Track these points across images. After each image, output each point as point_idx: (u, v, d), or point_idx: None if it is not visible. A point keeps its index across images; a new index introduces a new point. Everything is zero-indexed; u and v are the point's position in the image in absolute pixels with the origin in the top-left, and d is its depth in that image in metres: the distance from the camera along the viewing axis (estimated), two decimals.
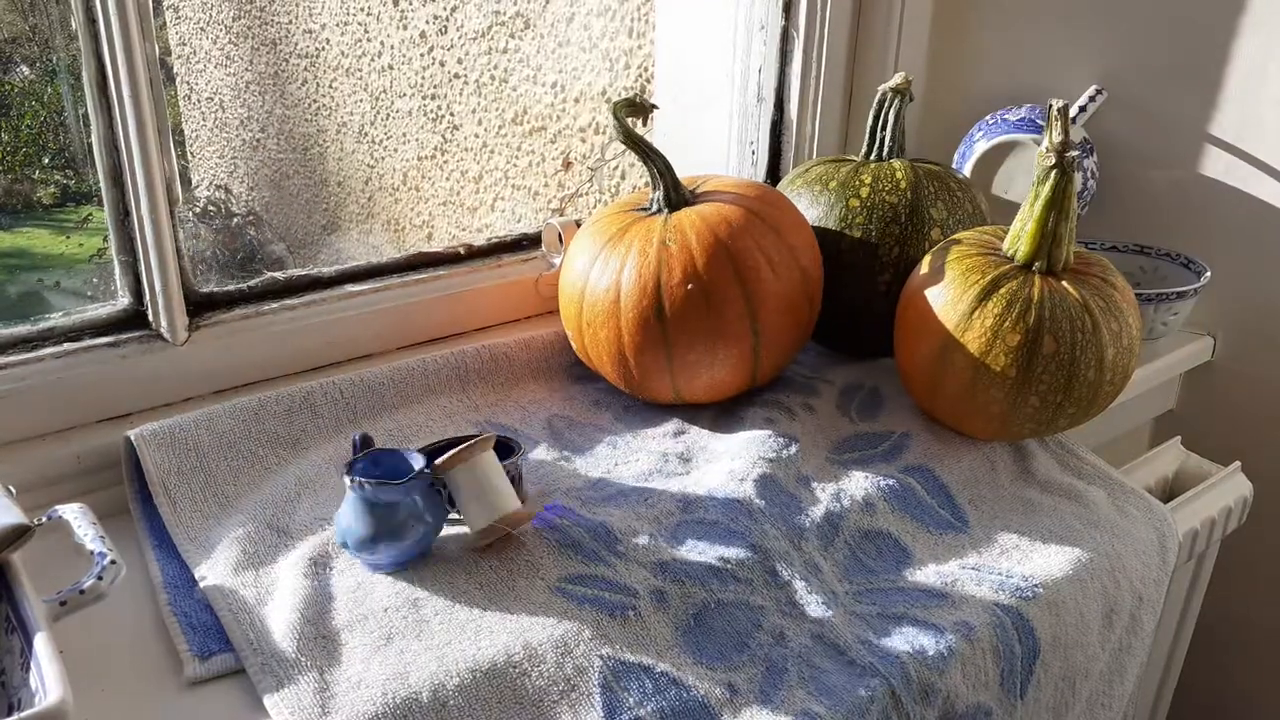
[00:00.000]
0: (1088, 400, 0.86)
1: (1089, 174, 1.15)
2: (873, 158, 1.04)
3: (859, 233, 0.99)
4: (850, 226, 0.99)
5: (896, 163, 1.02)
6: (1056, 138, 0.82)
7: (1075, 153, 0.82)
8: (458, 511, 0.73)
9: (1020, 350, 0.83)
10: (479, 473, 0.72)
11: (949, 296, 0.86)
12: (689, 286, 0.87)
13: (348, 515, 0.71)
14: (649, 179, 0.95)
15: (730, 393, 0.94)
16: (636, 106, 0.95)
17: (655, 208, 0.94)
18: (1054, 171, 0.83)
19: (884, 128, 1.04)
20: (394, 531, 0.70)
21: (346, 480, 0.71)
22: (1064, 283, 0.85)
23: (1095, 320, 0.83)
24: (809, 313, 0.95)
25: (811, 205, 1.02)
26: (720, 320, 0.88)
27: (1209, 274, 1.08)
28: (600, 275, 0.91)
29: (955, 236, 0.93)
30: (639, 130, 0.95)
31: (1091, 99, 1.13)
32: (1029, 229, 0.85)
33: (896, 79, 1.03)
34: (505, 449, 0.82)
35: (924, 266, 0.91)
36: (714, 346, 0.89)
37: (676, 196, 0.94)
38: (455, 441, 0.79)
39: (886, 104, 1.04)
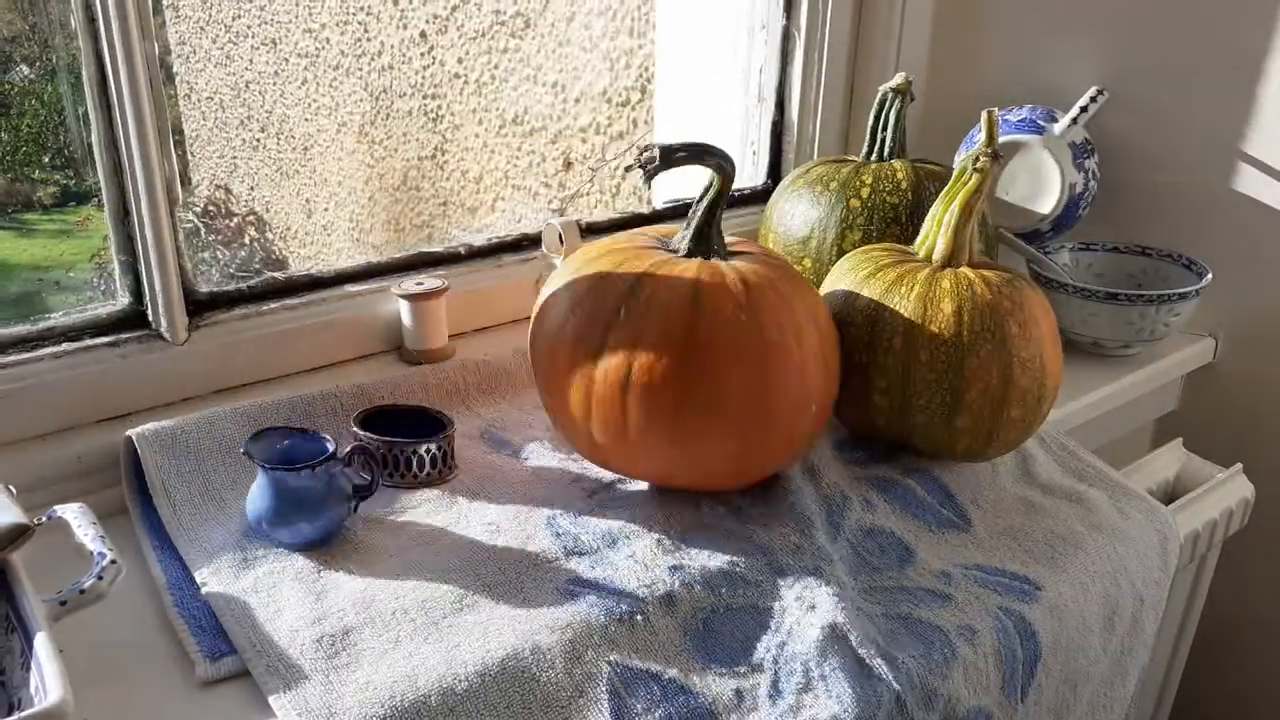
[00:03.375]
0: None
1: (1090, 175, 1.14)
2: (873, 158, 1.04)
3: (859, 234, 0.99)
4: (851, 227, 0.99)
5: (897, 163, 1.02)
6: (983, 142, 0.84)
7: (987, 161, 0.83)
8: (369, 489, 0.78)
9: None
10: None
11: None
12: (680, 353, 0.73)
13: (258, 497, 0.74)
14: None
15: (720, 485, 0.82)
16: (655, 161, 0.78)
17: (678, 248, 0.80)
18: (972, 174, 0.84)
19: (884, 128, 1.04)
20: (301, 512, 0.74)
21: (259, 466, 0.74)
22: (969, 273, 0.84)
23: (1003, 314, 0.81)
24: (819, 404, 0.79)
25: (812, 206, 1.02)
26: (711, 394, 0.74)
27: (1210, 275, 1.08)
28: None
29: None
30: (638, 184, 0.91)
31: (1093, 99, 1.13)
32: (936, 225, 0.86)
33: (897, 79, 1.03)
34: (437, 424, 0.86)
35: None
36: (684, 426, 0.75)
37: (704, 245, 0.80)
38: (384, 410, 0.87)
39: (887, 104, 1.04)
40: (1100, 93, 1.13)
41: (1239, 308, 1.14)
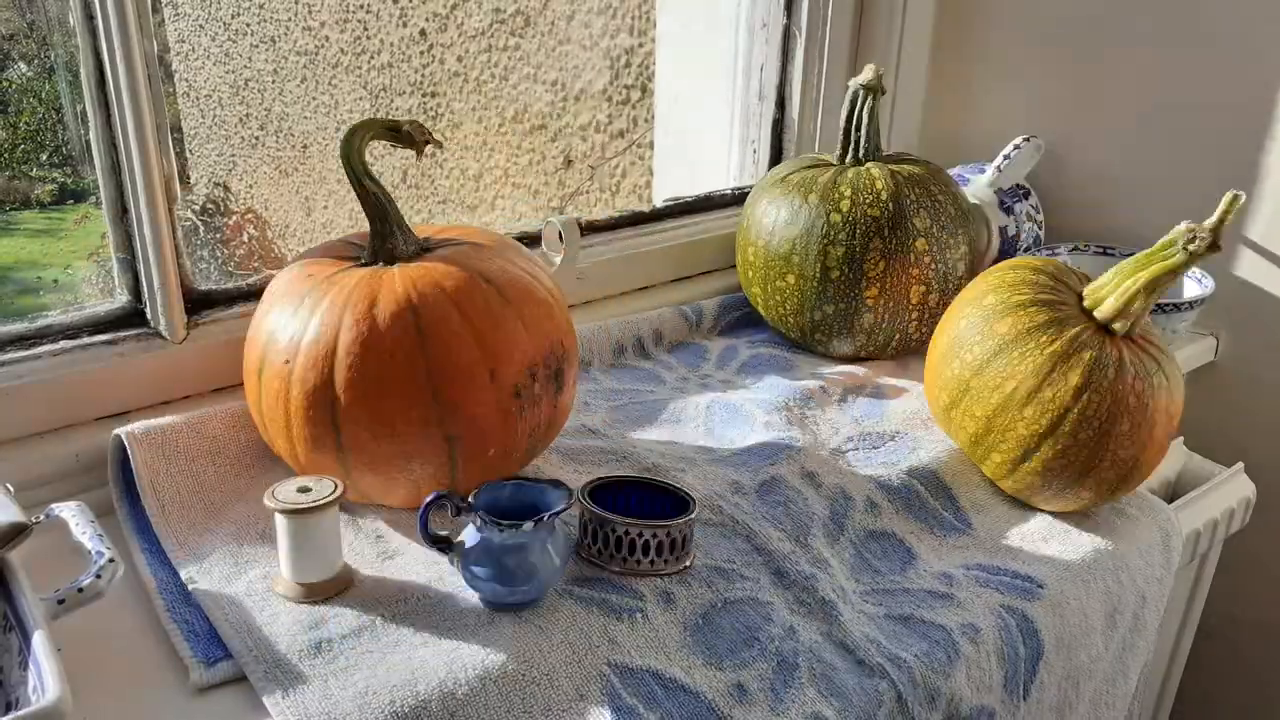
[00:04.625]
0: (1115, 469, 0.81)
1: (1024, 216, 1.16)
2: (848, 160, 1.04)
3: (843, 249, 0.98)
4: (834, 243, 0.98)
5: (875, 169, 1.00)
6: (1210, 226, 0.77)
7: (1202, 246, 0.77)
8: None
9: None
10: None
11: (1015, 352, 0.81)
12: (363, 364, 0.70)
13: (475, 550, 0.68)
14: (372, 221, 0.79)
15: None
16: (402, 134, 0.77)
17: (366, 259, 0.78)
18: (1187, 249, 0.78)
19: (858, 128, 1.03)
20: (518, 574, 0.67)
21: (474, 518, 0.68)
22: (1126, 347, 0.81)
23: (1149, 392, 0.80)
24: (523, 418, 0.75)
25: (792, 221, 1.00)
26: (399, 414, 0.71)
27: (1212, 282, 1.08)
28: (286, 330, 0.74)
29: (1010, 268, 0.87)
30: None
31: (1017, 148, 1.13)
32: (1126, 287, 0.80)
33: (866, 74, 1.02)
34: (681, 504, 0.75)
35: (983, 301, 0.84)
36: (394, 444, 0.72)
37: (402, 247, 0.78)
38: (612, 481, 0.77)
39: (859, 102, 1.02)
40: (1027, 140, 1.13)
41: (1241, 308, 1.14)
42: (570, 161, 2.11)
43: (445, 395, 0.71)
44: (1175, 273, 0.79)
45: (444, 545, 0.69)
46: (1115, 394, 0.78)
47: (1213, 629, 1.20)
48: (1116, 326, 0.81)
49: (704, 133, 1.34)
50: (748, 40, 1.26)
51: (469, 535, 0.68)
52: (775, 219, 1.02)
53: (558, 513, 0.68)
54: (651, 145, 1.85)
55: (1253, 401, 1.16)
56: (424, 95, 2.52)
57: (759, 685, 0.66)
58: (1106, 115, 1.19)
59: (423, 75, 2.50)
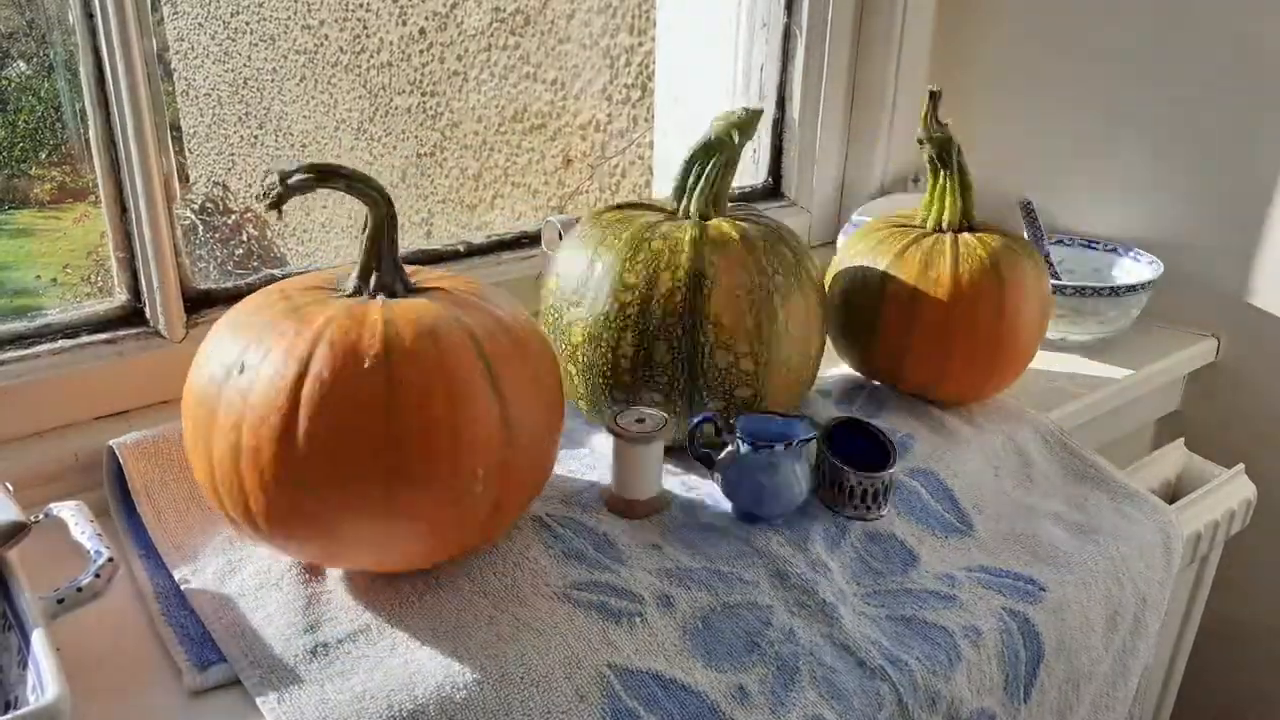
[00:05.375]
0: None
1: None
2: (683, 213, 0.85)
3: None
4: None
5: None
6: (939, 126, 0.91)
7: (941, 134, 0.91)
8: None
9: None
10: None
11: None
12: (330, 412, 0.61)
13: (734, 467, 0.78)
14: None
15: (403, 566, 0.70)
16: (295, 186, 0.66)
17: (350, 289, 0.69)
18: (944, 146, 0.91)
19: (695, 188, 0.84)
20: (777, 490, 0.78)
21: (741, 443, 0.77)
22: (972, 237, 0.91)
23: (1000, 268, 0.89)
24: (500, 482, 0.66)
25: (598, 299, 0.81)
26: (361, 467, 0.62)
27: (1161, 265, 1.10)
28: (233, 361, 0.64)
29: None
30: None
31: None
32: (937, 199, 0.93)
33: (721, 125, 0.83)
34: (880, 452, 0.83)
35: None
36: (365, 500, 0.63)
37: (380, 282, 0.68)
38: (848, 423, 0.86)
39: (711, 163, 0.84)
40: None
41: (1242, 307, 1.14)
42: (570, 161, 2.11)
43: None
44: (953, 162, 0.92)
45: (708, 461, 0.80)
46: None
47: (1213, 630, 1.20)
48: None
49: (703, 133, 1.34)
50: (748, 40, 1.26)
51: (728, 455, 0.78)
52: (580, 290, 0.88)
53: (805, 440, 0.77)
54: (651, 145, 1.85)
55: (1253, 402, 1.16)
56: (423, 94, 2.52)
57: (759, 688, 0.66)
58: (1105, 116, 1.19)
59: (422, 74, 2.50)
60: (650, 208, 0.87)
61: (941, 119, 0.91)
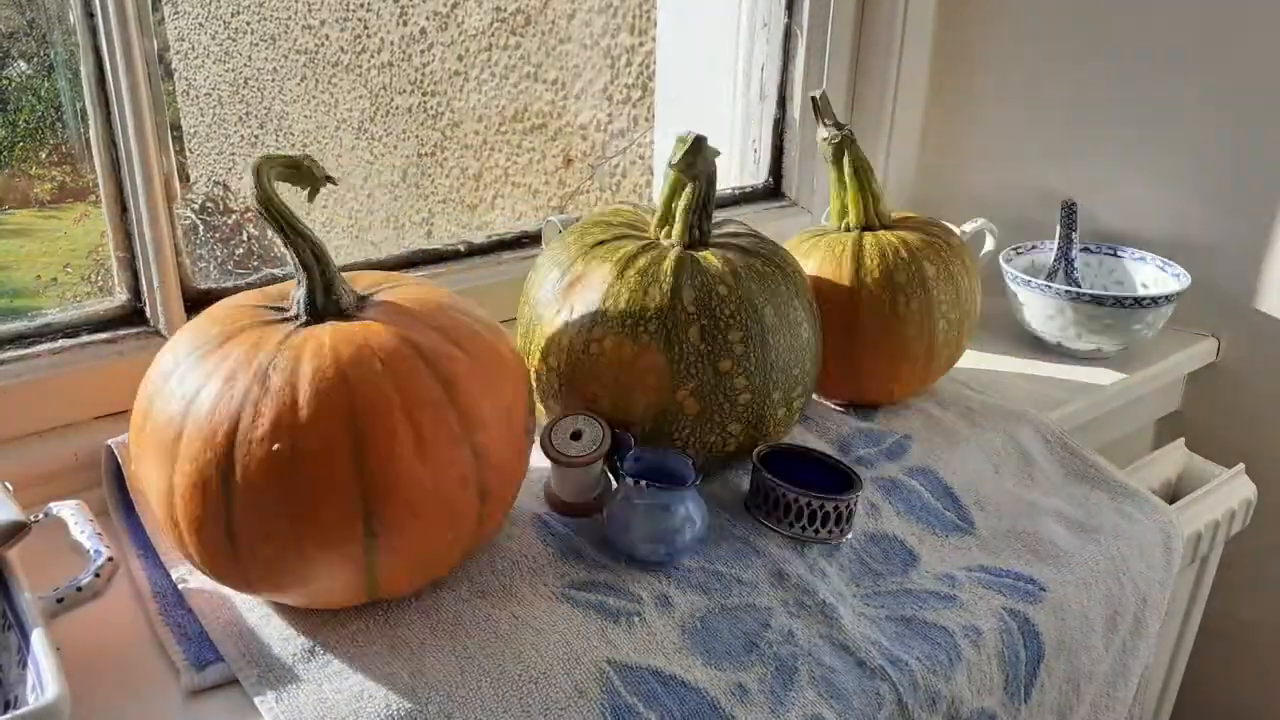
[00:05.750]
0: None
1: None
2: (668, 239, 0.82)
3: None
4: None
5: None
6: (828, 128, 0.93)
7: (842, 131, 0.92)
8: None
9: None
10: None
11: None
12: (274, 447, 0.58)
13: (625, 515, 0.73)
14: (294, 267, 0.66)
15: (338, 604, 0.67)
16: (301, 171, 0.65)
17: (294, 311, 0.66)
18: (837, 148, 0.93)
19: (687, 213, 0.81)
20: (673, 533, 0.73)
21: (628, 481, 0.73)
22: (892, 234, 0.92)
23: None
24: (475, 512, 0.65)
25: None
26: (313, 506, 0.59)
27: (1189, 277, 1.08)
28: (177, 390, 0.62)
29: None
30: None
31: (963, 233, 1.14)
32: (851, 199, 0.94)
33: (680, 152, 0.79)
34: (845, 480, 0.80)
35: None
36: (300, 542, 0.60)
37: (325, 301, 0.65)
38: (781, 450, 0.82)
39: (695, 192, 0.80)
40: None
41: (1242, 307, 1.14)
42: (570, 161, 2.11)
43: (372, 470, 0.60)
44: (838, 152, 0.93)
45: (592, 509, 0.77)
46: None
47: (1214, 630, 1.20)
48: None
49: (705, 132, 1.34)
50: (749, 39, 1.26)
51: (617, 496, 0.74)
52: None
53: (695, 481, 0.74)
54: (652, 144, 1.85)
55: (1254, 402, 1.16)
56: (424, 94, 2.52)
57: (759, 686, 0.66)
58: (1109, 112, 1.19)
59: (423, 74, 2.50)
60: (632, 228, 0.84)
61: (833, 120, 0.92)
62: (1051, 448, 0.95)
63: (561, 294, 0.79)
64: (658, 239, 0.82)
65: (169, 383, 0.63)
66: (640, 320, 0.76)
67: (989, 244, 1.17)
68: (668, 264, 0.77)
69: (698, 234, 0.81)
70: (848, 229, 0.94)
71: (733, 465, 0.84)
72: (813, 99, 0.92)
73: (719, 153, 0.81)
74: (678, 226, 0.81)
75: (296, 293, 0.66)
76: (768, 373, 0.78)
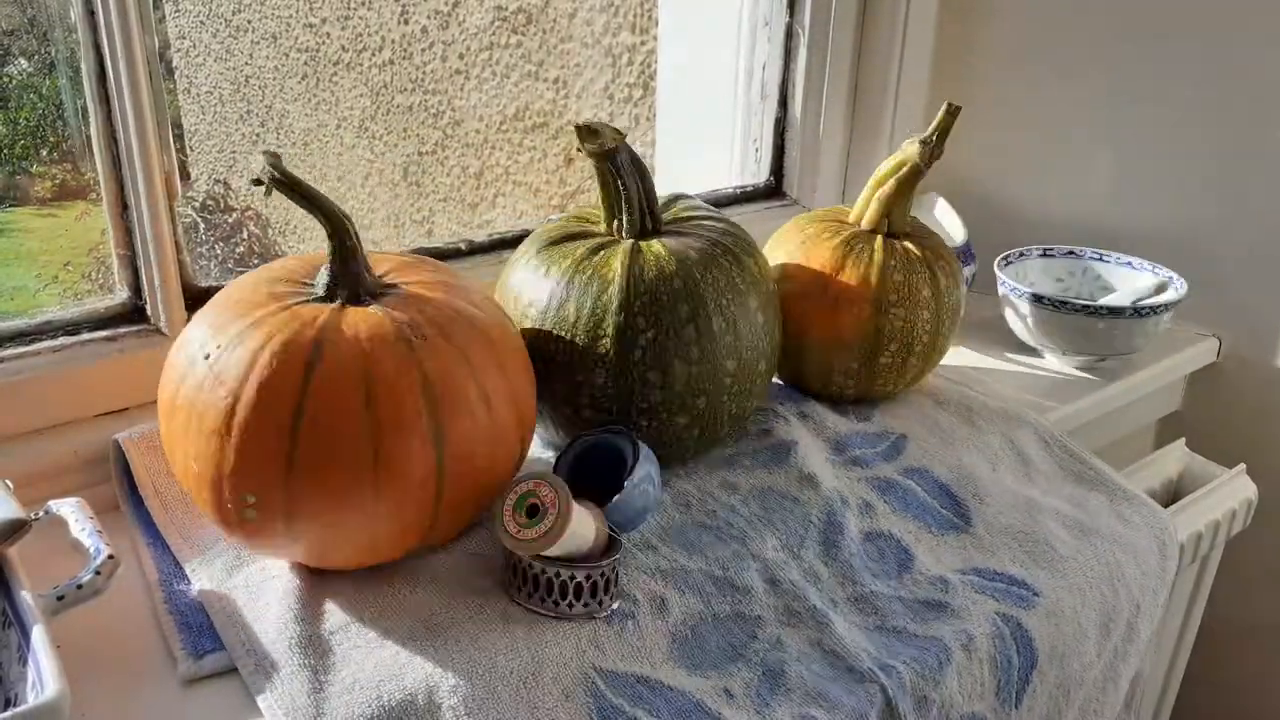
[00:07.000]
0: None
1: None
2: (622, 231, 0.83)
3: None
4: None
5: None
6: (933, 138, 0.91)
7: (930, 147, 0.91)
8: None
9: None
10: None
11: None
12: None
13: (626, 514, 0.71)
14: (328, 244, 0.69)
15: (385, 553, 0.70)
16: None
17: (325, 293, 0.69)
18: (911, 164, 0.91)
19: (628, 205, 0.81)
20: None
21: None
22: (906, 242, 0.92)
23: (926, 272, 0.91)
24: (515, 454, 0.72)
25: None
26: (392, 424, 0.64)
27: (1184, 285, 1.07)
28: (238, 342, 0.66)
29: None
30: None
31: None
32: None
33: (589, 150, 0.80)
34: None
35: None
36: (376, 459, 0.64)
37: (357, 286, 0.69)
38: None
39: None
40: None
41: (1243, 307, 1.14)
42: (571, 159, 2.11)
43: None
44: (915, 173, 0.91)
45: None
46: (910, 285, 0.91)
47: (1214, 630, 1.20)
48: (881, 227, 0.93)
49: (706, 131, 1.34)
50: (750, 38, 1.26)
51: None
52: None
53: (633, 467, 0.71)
54: (653, 143, 1.85)
55: (1255, 403, 1.16)
56: (425, 93, 2.52)
57: (744, 690, 0.66)
58: (1105, 112, 1.19)
59: (424, 72, 2.50)
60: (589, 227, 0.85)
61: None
62: (1050, 448, 0.94)
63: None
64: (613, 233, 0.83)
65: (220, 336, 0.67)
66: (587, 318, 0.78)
67: (951, 221, 1.16)
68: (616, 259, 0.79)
69: (649, 222, 0.83)
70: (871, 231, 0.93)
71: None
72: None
73: (621, 132, 0.81)
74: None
75: (323, 277, 0.70)
76: (715, 360, 0.78)
